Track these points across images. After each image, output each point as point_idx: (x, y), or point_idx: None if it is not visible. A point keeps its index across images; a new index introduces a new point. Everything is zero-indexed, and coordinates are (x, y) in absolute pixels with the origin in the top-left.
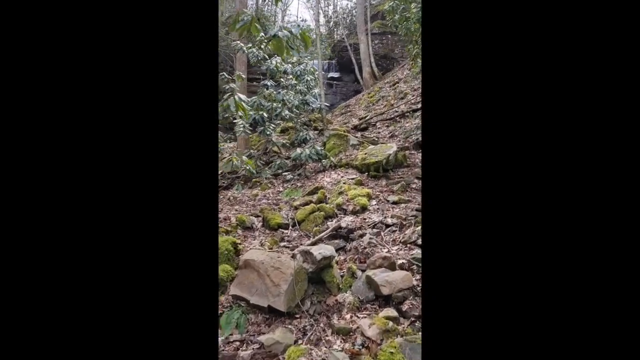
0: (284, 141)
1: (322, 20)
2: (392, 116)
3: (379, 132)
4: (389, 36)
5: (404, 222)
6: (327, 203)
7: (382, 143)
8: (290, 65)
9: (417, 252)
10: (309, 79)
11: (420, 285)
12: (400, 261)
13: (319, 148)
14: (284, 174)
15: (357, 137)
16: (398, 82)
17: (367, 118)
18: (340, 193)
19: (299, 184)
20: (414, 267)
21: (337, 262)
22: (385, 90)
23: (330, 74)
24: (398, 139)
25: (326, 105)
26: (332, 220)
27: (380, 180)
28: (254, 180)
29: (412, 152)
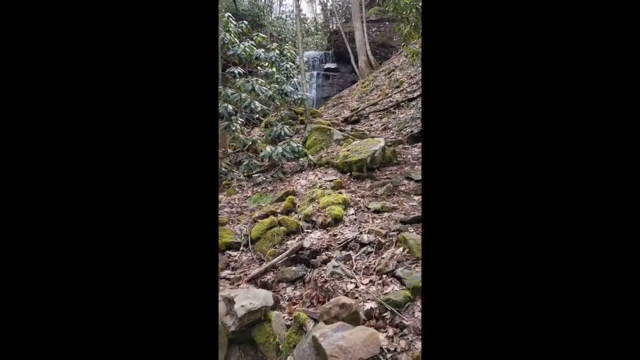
0: (254, 138)
1: (318, 9)
2: (386, 107)
3: (372, 125)
4: (387, 23)
5: (383, 240)
6: (296, 212)
7: (372, 137)
8: (262, 50)
9: (394, 288)
10: (288, 66)
11: (389, 348)
12: (368, 306)
13: (294, 145)
14: (254, 175)
15: (346, 130)
16: (394, 70)
17: (358, 110)
18: (312, 200)
19: (269, 188)
20: (387, 314)
21: (290, 301)
22: (380, 79)
23: (327, 65)
24: (391, 131)
25: (307, 96)
26: (294, 238)
27: (364, 181)
28: (224, 182)
29: (406, 146)
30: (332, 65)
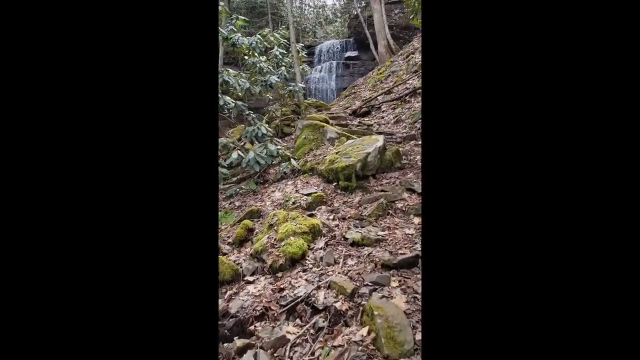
0: (225, 141)
1: None
2: (401, 95)
3: (383, 117)
4: None
5: (345, 307)
6: (252, 243)
7: (378, 132)
8: (239, 35)
9: None
10: (277, 53)
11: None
12: None
13: (273, 147)
14: (222, 187)
15: (350, 124)
16: (413, 53)
17: (369, 100)
18: (271, 226)
19: (238, 203)
20: None
21: None
22: (397, 64)
23: (348, 54)
24: (403, 124)
25: (300, 87)
26: (225, 291)
27: (353, 194)
28: None
29: (419, 142)
30: (353, 54)
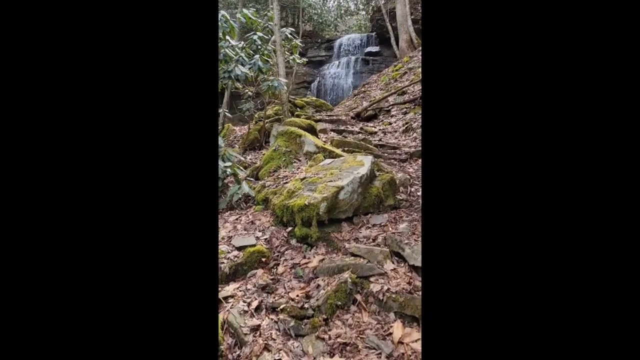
0: None
1: None
2: (416, 96)
3: (390, 122)
4: None
5: None
6: None
7: (377, 145)
8: None
9: None
10: (256, 38)
11: None
12: None
13: (222, 165)
14: None
15: (351, 131)
16: None
17: (378, 101)
18: None
19: None
20: None
21: None
22: (416, 59)
23: (368, 49)
24: (414, 134)
25: (280, 82)
26: None
27: (312, 251)
28: None
29: None
30: (374, 49)
